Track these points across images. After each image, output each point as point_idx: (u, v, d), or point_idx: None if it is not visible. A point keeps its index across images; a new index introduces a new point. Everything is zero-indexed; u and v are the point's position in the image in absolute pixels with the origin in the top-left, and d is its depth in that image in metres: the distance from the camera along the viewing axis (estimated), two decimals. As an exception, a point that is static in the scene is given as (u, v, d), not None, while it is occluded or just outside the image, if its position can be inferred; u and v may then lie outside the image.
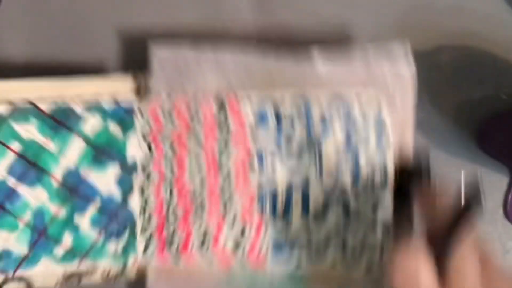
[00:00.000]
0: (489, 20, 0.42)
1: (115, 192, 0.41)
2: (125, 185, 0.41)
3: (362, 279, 0.39)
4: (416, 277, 0.30)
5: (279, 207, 0.39)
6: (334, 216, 0.39)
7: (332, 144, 0.39)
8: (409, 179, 0.36)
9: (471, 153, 0.42)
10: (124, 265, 0.41)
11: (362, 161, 0.38)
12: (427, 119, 0.42)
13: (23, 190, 0.40)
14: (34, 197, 0.41)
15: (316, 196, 0.39)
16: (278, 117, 0.39)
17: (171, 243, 0.40)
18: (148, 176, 0.40)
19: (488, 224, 0.43)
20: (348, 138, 0.38)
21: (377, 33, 0.42)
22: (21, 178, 0.40)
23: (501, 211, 0.43)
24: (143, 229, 0.41)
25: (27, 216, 0.41)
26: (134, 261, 0.41)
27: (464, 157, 0.42)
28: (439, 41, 0.42)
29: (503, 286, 0.31)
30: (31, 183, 0.40)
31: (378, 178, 0.38)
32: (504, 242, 0.43)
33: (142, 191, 0.41)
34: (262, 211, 0.39)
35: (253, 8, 0.42)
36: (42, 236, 0.41)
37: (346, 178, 0.39)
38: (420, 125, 0.41)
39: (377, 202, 0.38)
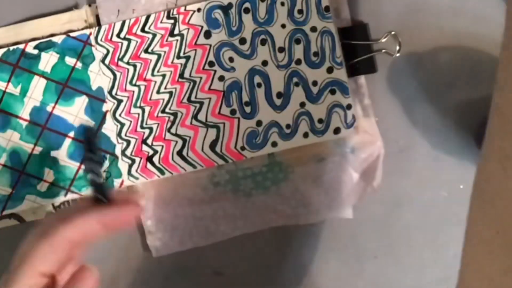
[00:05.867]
0: (489, 20, 0.42)
1: (88, 122, 0.41)
2: (96, 114, 0.41)
3: (333, 143, 0.41)
4: None
5: (245, 96, 0.41)
6: (296, 91, 0.41)
7: (279, 24, 0.41)
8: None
9: (471, 153, 0.42)
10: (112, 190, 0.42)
11: (307, 29, 0.41)
12: (427, 119, 0.42)
13: (-7, 132, 0.41)
14: (5, 139, 0.41)
15: (278, 84, 0.41)
16: (226, 14, 0.41)
17: (152, 157, 0.41)
18: (117, 100, 0.41)
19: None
20: (291, 13, 0.41)
21: (377, 33, 0.42)
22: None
23: (500, 211, 0.44)
24: (123, 151, 0.41)
25: (3, 158, 0.41)
26: (121, 184, 0.41)
27: (464, 157, 0.43)
28: (438, 41, 0.42)
29: None
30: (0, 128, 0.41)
31: (326, 42, 0.41)
32: (504, 242, 0.44)
33: (114, 115, 0.42)
34: (230, 104, 0.41)
35: None
36: (22, 174, 0.41)
37: (298, 50, 0.42)
38: (420, 125, 0.43)
39: (331, 64, 0.41)
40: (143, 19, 0.41)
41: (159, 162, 0.41)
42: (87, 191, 0.41)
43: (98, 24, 0.42)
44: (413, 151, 0.43)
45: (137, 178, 0.41)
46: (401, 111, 0.43)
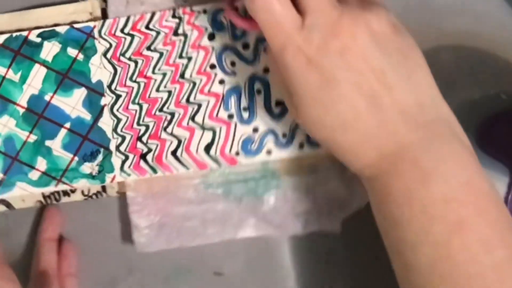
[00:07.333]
0: (489, 20, 0.42)
1: (85, 115, 0.41)
2: (94, 107, 0.41)
3: (328, 156, 0.41)
4: (271, 4, 0.31)
5: (244, 101, 0.41)
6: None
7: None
8: None
9: None
10: (103, 184, 0.42)
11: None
12: None
13: (-11, 117, 0.41)
14: (1, 125, 0.41)
15: (278, 93, 0.41)
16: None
17: (146, 155, 0.41)
18: (115, 94, 0.41)
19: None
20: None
21: None
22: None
23: (501, 210, 0.44)
24: (118, 146, 0.41)
25: (-3, 143, 0.41)
26: (112, 179, 0.41)
27: None
28: (439, 41, 0.42)
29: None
30: (-4, 113, 0.41)
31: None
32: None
33: (111, 110, 0.41)
34: (228, 108, 0.41)
35: None
36: (15, 161, 0.41)
37: None
38: None
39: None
40: (148, 16, 0.41)
41: (152, 161, 0.41)
42: (78, 183, 0.41)
43: (104, 17, 0.41)
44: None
45: (129, 175, 0.41)
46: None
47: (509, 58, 0.42)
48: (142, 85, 0.41)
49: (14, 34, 0.41)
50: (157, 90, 0.41)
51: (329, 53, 0.30)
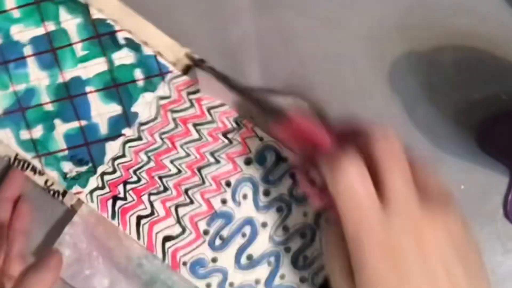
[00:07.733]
0: (489, 20, 0.42)
1: (103, 127, 0.41)
2: (115, 129, 0.41)
3: None
4: (356, 190, 0.31)
5: (226, 231, 0.40)
6: (258, 274, 0.41)
7: (301, 214, 0.41)
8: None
9: (471, 153, 0.42)
10: (67, 190, 0.41)
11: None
12: (427, 119, 0.42)
13: (32, 63, 0.41)
14: (36, 76, 0.41)
15: (257, 249, 0.40)
16: (278, 159, 0.41)
17: (118, 199, 0.41)
18: (139, 134, 0.41)
19: (488, 224, 0.42)
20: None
21: (377, 33, 0.41)
22: (36, 53, 0.41)
23: (501, 211, 0.42)
24: (103, 174, 0.41)
25: (20, 87, 0.41)
26: (77, 193, 0.41)
27: (464, 157, 0.42)
28: (439, 41, 0.42)
29: (432, 183, 0.34)
30: (42, 63, 0.41)
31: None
32: (504, 242, 0.42)
33: (125, 143, 0.41)
34: (208, 227, 0.41)
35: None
36: (19, 111, 0.41)
37: (294, 244, 0.41)
38: (420, 125, 0.42)
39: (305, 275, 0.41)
40: (217, 102, 0.41)
41: (119, 208, 0.41)
42: (49, 171, 0.41)
43: (186, 70, 0.41)
44: (413, 151, 0.41)
45: (92, 201, 0.41)
46: (401, 111, 0.42)
47: (509, 58, 0.42)
48: (164, 146, 0.41)
49: (108, 21, 0.41)
50: (171, 161, 0.41)
51: (408, 249, 0.31)
